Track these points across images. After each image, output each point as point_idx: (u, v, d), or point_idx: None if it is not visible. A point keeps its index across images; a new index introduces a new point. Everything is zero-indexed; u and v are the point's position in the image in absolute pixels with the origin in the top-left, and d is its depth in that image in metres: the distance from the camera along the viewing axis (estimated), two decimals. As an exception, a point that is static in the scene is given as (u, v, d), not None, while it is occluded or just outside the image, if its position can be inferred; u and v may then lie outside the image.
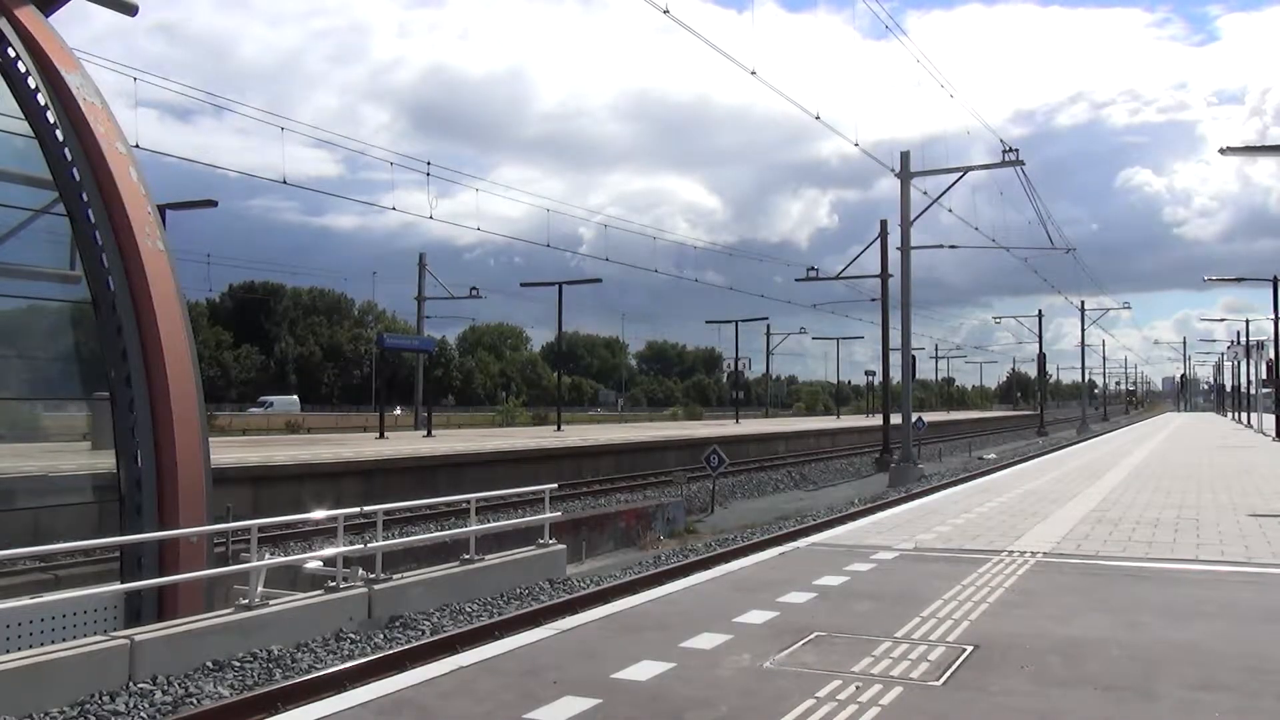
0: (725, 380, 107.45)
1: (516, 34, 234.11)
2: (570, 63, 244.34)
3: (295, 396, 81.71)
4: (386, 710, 4.70)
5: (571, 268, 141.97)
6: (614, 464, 30.55)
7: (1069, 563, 8.77)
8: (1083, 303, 72.96)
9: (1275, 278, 38.29)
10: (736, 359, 69.99)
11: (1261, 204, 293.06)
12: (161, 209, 16.05)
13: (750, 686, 4.97)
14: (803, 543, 10.47)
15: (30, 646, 8.71)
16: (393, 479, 21.61)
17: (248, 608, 9.45)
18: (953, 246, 36.40)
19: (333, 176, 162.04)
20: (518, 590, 12.62)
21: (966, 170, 32.00)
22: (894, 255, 33.96)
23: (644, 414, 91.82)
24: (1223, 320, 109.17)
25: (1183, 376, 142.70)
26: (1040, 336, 77.58)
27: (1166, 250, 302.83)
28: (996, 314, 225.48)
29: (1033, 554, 9.15)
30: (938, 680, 5.07)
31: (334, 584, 10.54)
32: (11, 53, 11.55)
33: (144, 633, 8.71)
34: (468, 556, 12.46)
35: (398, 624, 10.70)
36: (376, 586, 10.79)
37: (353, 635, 10.09)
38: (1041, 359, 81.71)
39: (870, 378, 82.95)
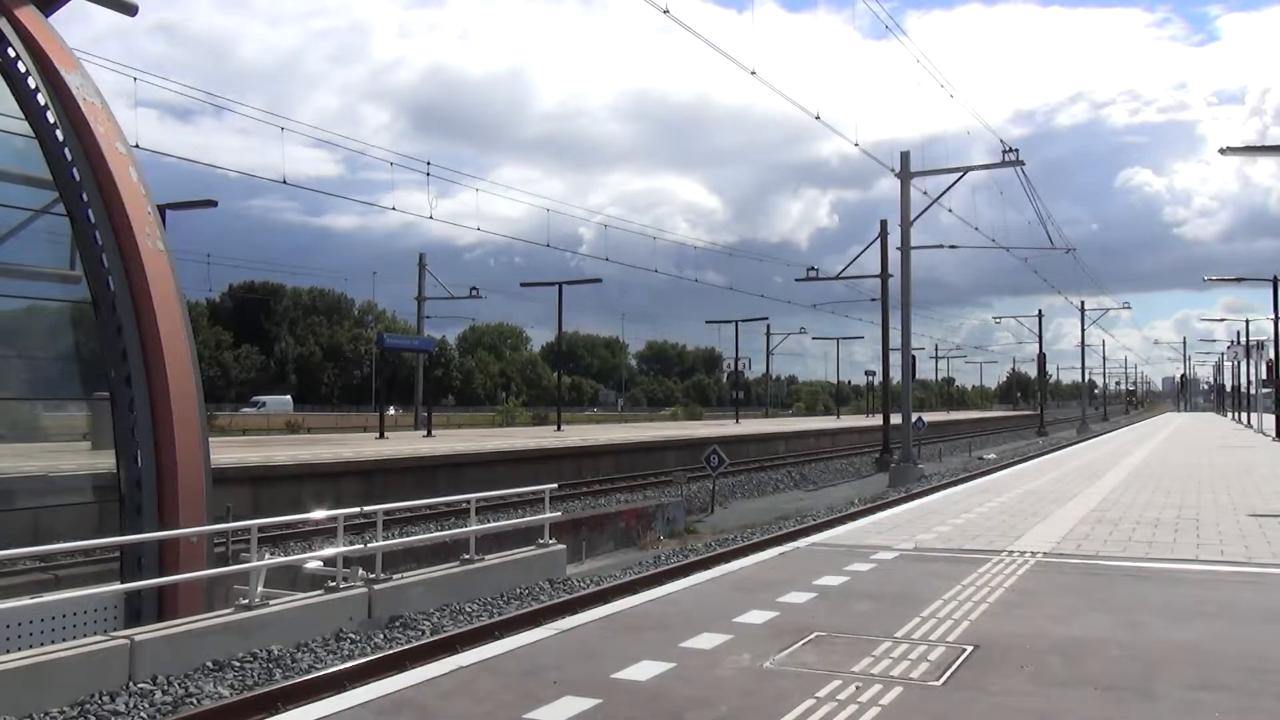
0: (725, 380, 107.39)
1: (516, 34, 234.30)
2: (570, 63, 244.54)
3: (288, 396, 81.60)
4: (386, 710, 4.70)
5: (571, 268, 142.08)
6: (614, 464, 30.55)
7: (1069, 563, 8.77)
8: (1083, 303, 73.06)
9: (1275, 278, 38.30)
10: (736, 359, 70.00)
11: (1261, 204, 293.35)
12: (161, 209, 16.04)
13: (750, 686, 4.97)
14: (803, 543, 10.47)
15: (30, 646, 8.71)
16: (393, 479, 21.61)
17: (248, 608, 9.45)
18: (953, 246, 36.44)
19: (333, 176, 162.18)
20: (518, 590, 12.62)
21: (966, 170, 32.02)
22: (894, 255, 34.01)
23: (644, 414, 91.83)
24: (1223, 320, 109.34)
25: (1183, 376, 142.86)
26: (1040, 336, 77.68)
27: (1166, 250, 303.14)
28: (996, 314, 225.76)
29: (1033, 554, 9.15)
30: (938, 680, 5.07)
31: (334, 584, 10.54)
32: (11, 53, 11.55)
33: (144, 633, 8.71)
34: (468, 556, 12.46)
35: (398, 624, 10.70)
36: (376, 586, 10.79)
37: (353, 635, 10.09)
38: (1041, 359, 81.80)
39: (870, 378, 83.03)
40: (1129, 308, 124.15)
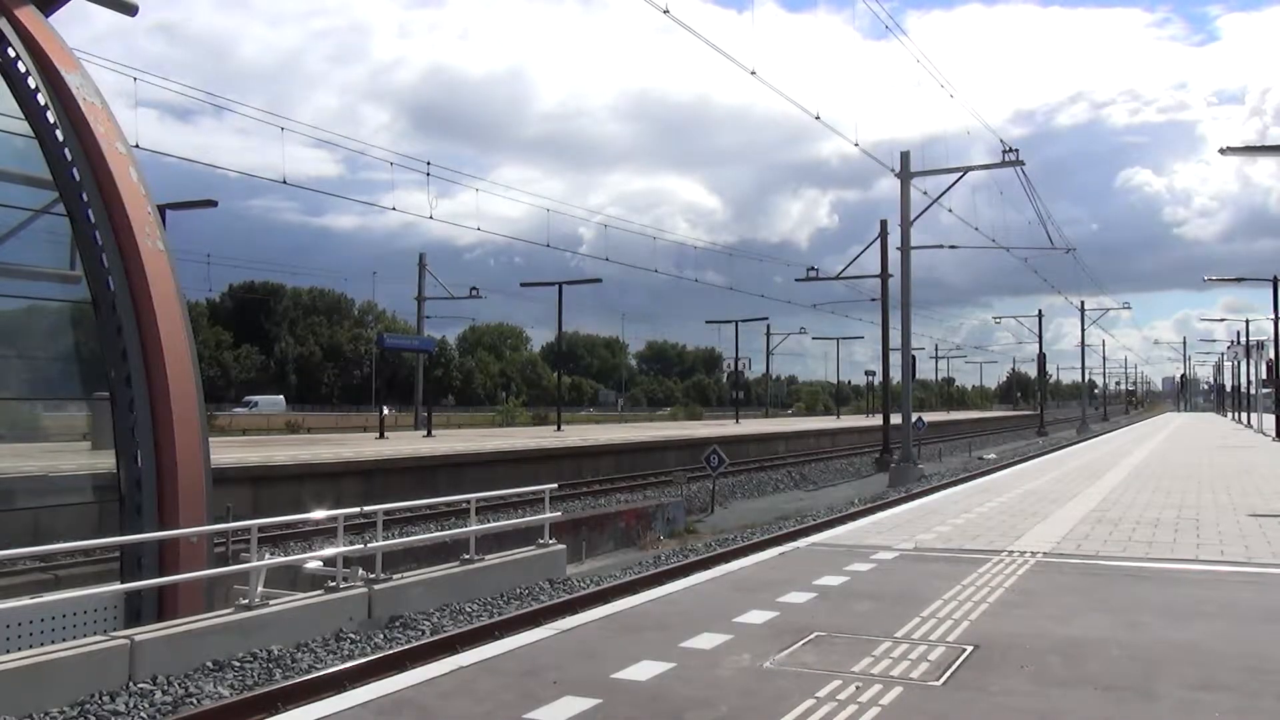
0: (725, 380, 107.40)
1: (516, 34, 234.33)
2: (570, 63, 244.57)
3: (280, 397, 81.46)
4: (386, 710, 4.70)
5: (571, 268, 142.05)
6: (614, 464, 30.55)
7: (1069, 563, 8.77)
8: (1083, 303, 73.05)
9: (1275, 278, 38.30)
10: (736, 359, 70.02)
11: (1261, 204, 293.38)
12: (161, 209, 16.04)
13: (750, 686, 4.97)
14: (803, 543, 10.47)
15: (30, 646, 8.71)
16: (393, 479, 21.61)
17: (248, 608, 9.45)
18: (953, 246, 36.44)
19: (333, 176, 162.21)
20: (518, 590, 12.62)
21: (966, 170, 32.02)
22: (894, 255, 34.01)
23: (644, 414, 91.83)
24: (1223, 320, 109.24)
25: (1183, 376, 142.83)
26: (1040, 336, 77.66)
27: (1166, 250, 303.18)
28: (996, 314, 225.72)
29: (1033, 554, 9.15)
30: (938, 680, 5.07)
31: (334, 584, 10.54)
32: (11, 53, 11.55)
33: (144, 633, 8.71)
34: (468, 556, 12.46)
35: (398, 624, 10.70)
36: (376, 586, 10.79)
37: (353, 635, 10.09)
38: (1041, 359, 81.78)
39: (870, 378, 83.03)
40: (1129, 308, 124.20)
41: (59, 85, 11.59)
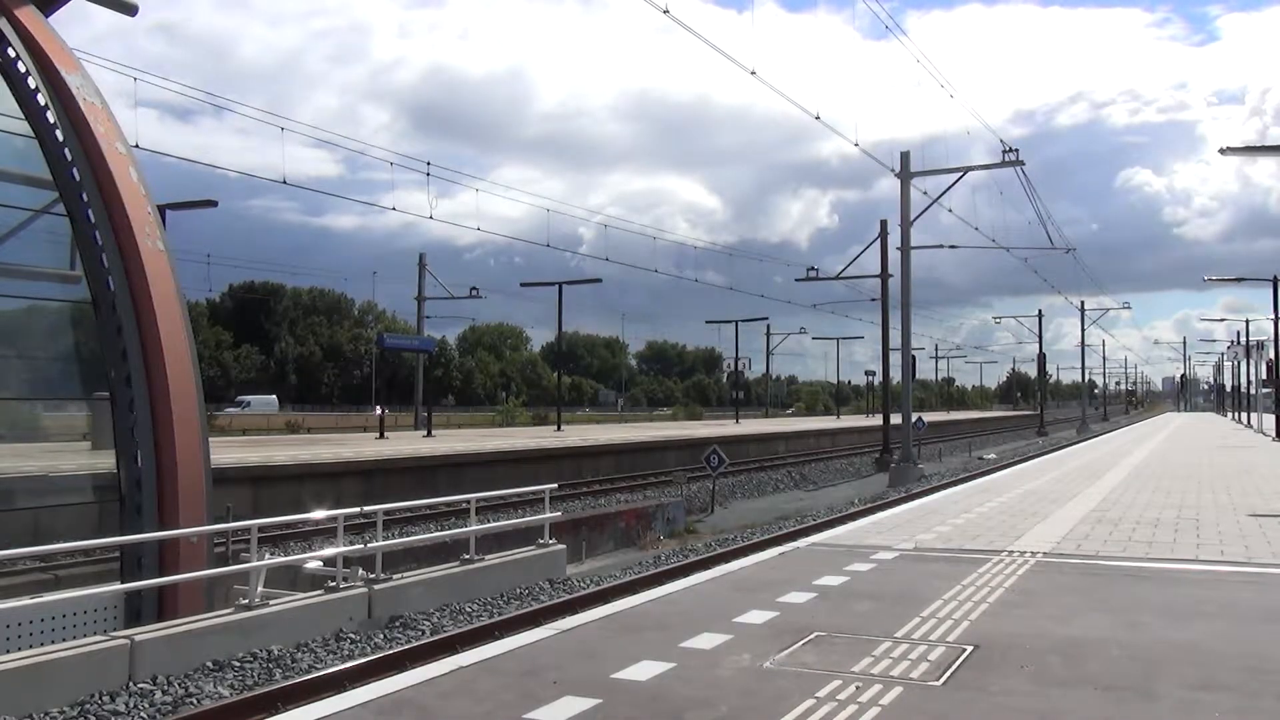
0: (725, 380, 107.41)
1: (516, 34, 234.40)
2: (570, 63, 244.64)
3: (273, 396, 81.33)
4: (386, 710, 4.70)
5: (571, 268, 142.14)
6: (614, 464, 30.55)
7: (1069, 563, 8.77)
8: (1083, 303, 73.04)
9: (1275, 278, 38.30)
10: (736, 359, 70.01)
11: (1261, 204, 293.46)
12: (161, 209, 16.04)
13: (750, 686, 4.97)
14: (803, 543, 10.46)
15: (30, 646, 8.71)
16: (393, 479, 21.61)
17: (248, 608, 9.45)
18: (953, 246, 36.43)
19: (333, 176, 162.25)
20: (518, 590, 12.62)
21: (966, 170, 32.01)
22: (894, 255, 34.00)
23: (644, 414, 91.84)
24: (1223, 320, 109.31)
25: (1183, 376, 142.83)
26: (1040, 336, 77.66)
27: (1166, 250, 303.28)
28: (996, 314, 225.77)
29: (1033, 554, 9.15)
30: (938, 680, 5.07)
31: (334, 584, 10.54)
32: (11, 53, 11.55)
33: (144, 633, 8.71)
34: (468, 556, 12.46)
35: (398, 624, 10.70)
36: (376, 586, 10.79)
37: (353, 635, 10.09)
38: (1041, 359, 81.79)
39: (870, 378, 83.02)
40: (1129, 308, 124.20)
41: (59, 85, 11.59)
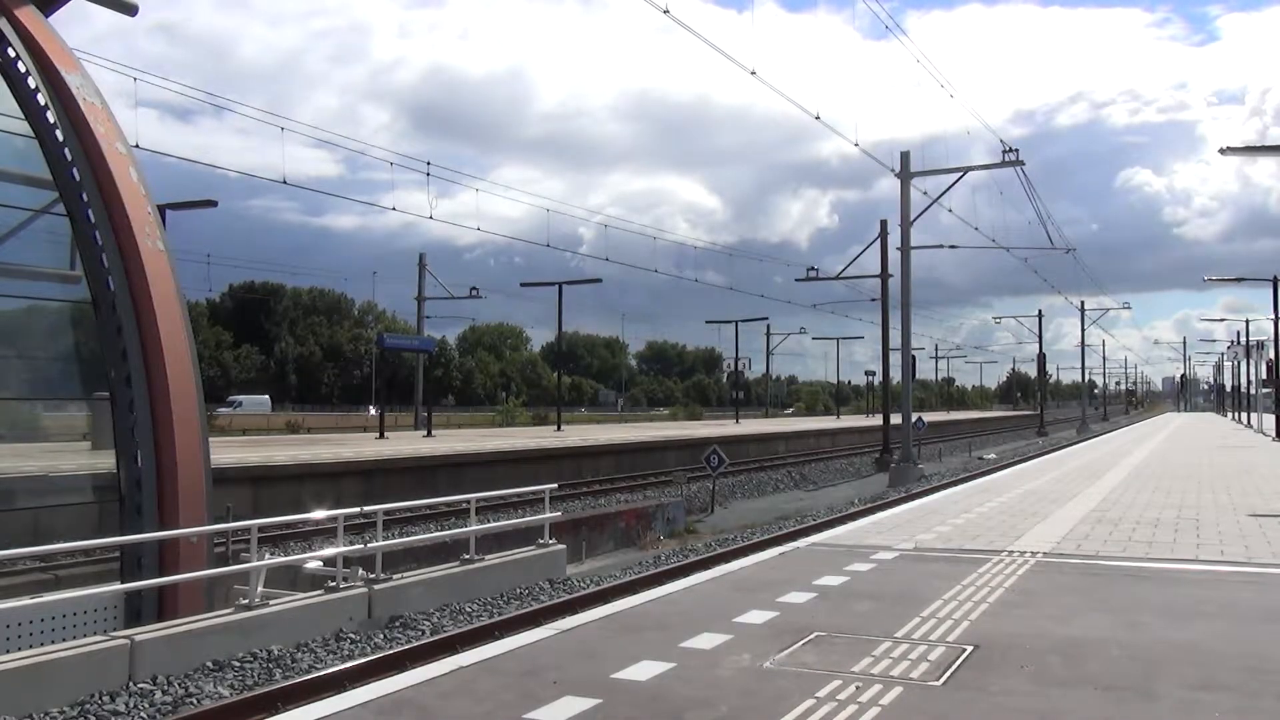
0: (725, 380, 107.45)
1: (516, 34, 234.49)
2: (570, 63, 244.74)
3: (266, 396, 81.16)
4: (386, 710, 4.70)
5: (571, 268, 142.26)
6: (614, 464, 30.54)
7: (1069, 563, 8.77)
8: (1083, 303, 73.04)
9: (1275, 278, 38.29)
10: (736, 359, 70.01)
11: (1261, 204, 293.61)
12: (161, 209, 16.05)
13: (750, 686, 4.96)
14: (803, 543, 10.46)
15: (30, 646, 8.71)
16: (393, 479, 21.60)
17: (248, 608, 9.45)
18: (953, 246, 36.43)
19: (333, 176, 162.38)
20: (518, 590, 12.62)
21: (966, 170, 32.01)
22: (894, 255, 34.00)
23: (644, 414, 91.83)
24: (1223, 320, 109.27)
25: (1183, 376, 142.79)
26: (1040, 336, 77.64)
27: (1166, 250, 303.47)
28: (996, 314, 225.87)
29: (1033, 554, 9.15)
30: (938, 680, 5.07)
31: (334, 584, 10.54)
32: (11, 53, 11.55)
33: (144, 633, 8.71)
34: (468, 556, 12.46)
35: (398, 624, 10.69)
36: (376, 586, 10.79)
37: (353, 635, 10.09)
38: (1041, 359, 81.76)
39: (870, 378, 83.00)
40: (1129, 308, 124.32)
41: (59, 85, 11.59)
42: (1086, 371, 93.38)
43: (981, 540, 10.10)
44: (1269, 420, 43.59)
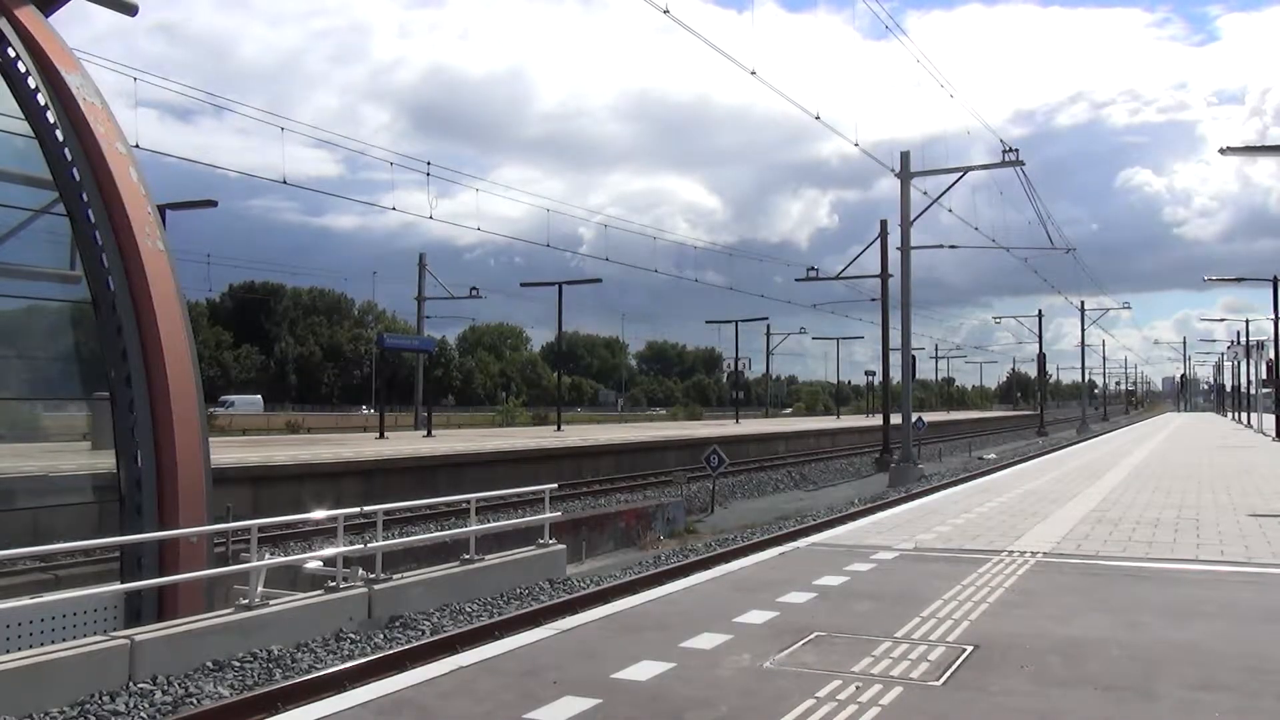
0: (725, 380, 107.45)
1: (516, 34, 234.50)
2: (570, 63, 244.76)
3: (258, 396, 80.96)
4: (386, 710, 4.70)
5: (571, 268, 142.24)
6: (614, 464, 30.54)
7: (1069, 563, 8.77)
8: (1083, 303, 73.03)
9: (1275, 278, 38.29)
10: (736, 359, 70.00)
11: (1261, 204, 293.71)
12: (161, 209, 16.05)
13: (750, 686, 4.97)
14: (803, 543, 10.46)
15: (30, 646, 8.71)
16: (393, 479, 21.60)
17: (248, 608, 9.45)
18: (953, 246, 36.43)
19: (333, 176, 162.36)
20: (518, 590, 12.62)
21: (966, 170, 32.01)
22: (894, 255, 33.99)
23: (644, 414, 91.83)
24: (1223, 320, 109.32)
25: (1183, 377, 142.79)
26: (1040, 336, 77.66)
27: (1166, 250, 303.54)
28: (996, 314, 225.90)
29: (1033, 554, 9.15)
30: (938, 680, 5.07)
31: (334, 584, 10.54)
32: (11, 53, 11.55)
33: (144, 633, 8.71)
34: (468, 556, 12.46)
35: (398, 624, 10.69)
36: (376, 586, 10.79)
37: (353, 635, 10.09)
38: (1041, 359, 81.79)
39: (870, 378, 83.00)
40: (1129, 308, 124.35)
41: (59, 85, 11.59)
42: (1086, 371, 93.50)
43: (981, 540, 10.10)
44: (1269, 420, 43.59)
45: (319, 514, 13.64)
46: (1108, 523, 11.50)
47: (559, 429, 42.36)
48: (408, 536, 16.54)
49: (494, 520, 18.20)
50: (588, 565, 16.89)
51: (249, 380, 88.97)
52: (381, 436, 32.89)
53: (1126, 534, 10.54)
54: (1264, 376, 44.63)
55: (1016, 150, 30.74)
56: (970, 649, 5.65)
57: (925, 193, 31.77)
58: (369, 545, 11.56)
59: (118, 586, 10.61)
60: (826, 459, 40.96)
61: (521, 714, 4.57)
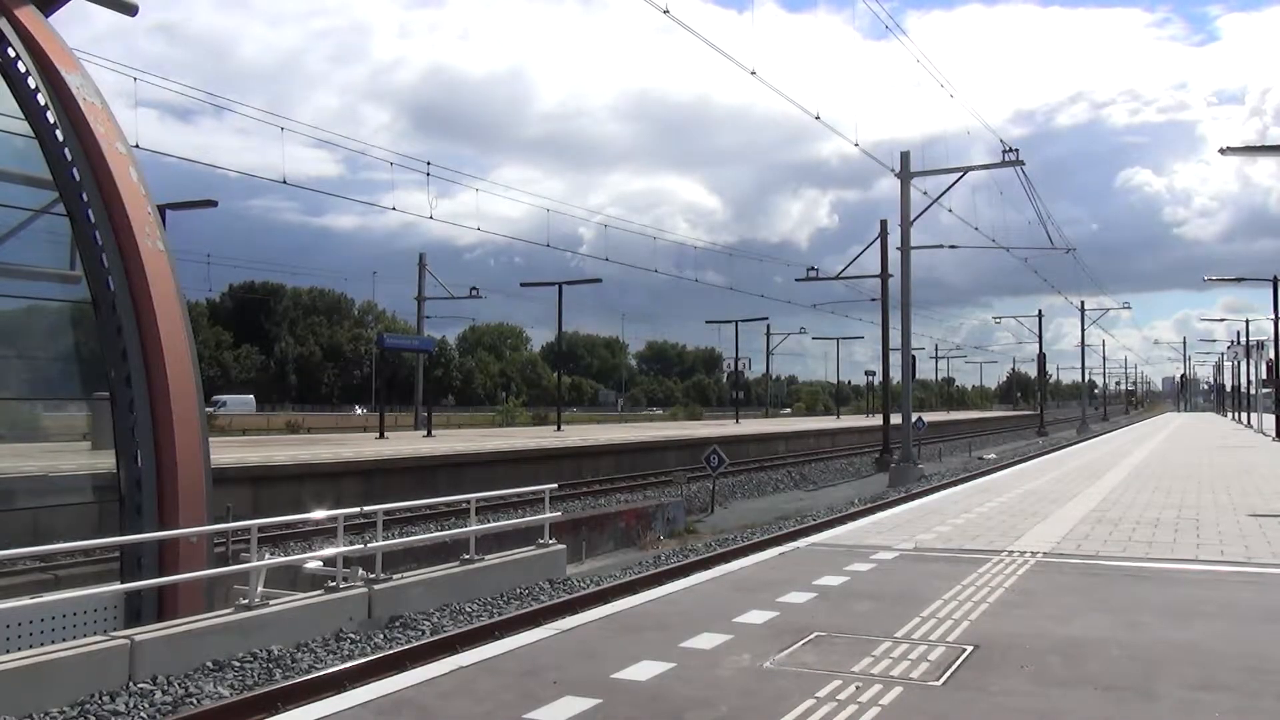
0: (725, 380, 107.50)
1: (516, 34, 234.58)
2: (570, 63, 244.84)
3: (250, 396, 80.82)
4: (386, 710, 4.70)
5: (571, 268, 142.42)
6: (614, 464, 30.54)
7: (1069, 563, 8.77)
8: (1083, 303, 73.03)
9: (1275, 278, 38.29)
10: (736, 359, 69.99)
11: (1261, 204, 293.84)
12: (161, 209, 16.04)
13: (750, 686, 4.96)
14: (803, 543, 10.46)
15: (30, 646, 8.71)
16: (393, 479, 21.60)
17: (248, 608, 9.45)
18: (953, 246, 36.43)
19: (333, 176, 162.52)
20: (518, 590, 12.62)
21: (966, 170, 32.00)
22: (894, 255, 33.99)
23: (644, 414, 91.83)
24: (1223, 320, 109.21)
25: (1183, 377, 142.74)
26: (1040, 337, 77.66)
27: (1166, 250, 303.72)
28: (996, 314, 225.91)
29: (1033, 554, 9.15)
30: (938, 680, 5.07)
31: (334, 584, 10.54)
32: (11, 53, 11.55)
33: (144, 633, 8.71)
34: (468, 556, 12.46)
35: (398, 624, 10.69)
36: (376, 586, 10.79)
37: (353, 635, 10.09)
38: (1041, 359, 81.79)
39: (870, 378, 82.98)
40: (1129, 308, 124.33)
41: (59, 85, 11.59)
42: (1086, 371, 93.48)
43: (981, 540, 10.10)
44: (1269, 420, 43.58)
45: (319, 514, 13.64)
46: (1108, 523, 11.50)
47: (559, 429, 42.36)
48: (408, 536, 16.54)
49: (494, 520, 18.20)
50: (588, 565, 16.89)
51: (249, 380, 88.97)
52: (381, 436, 32.88)
53: (1126, 534, 10.54)
54: (1264, 376, 44.63)
55: (1016, 150, 30.77)
56: (970, 649, 5.65)
57: (925, 193, 31.79)
58: (369, 545, 11.56)
59: (118, 586, 10.61)
60: (826, 459, 40.95)
61: (521, 714, 4.57)
